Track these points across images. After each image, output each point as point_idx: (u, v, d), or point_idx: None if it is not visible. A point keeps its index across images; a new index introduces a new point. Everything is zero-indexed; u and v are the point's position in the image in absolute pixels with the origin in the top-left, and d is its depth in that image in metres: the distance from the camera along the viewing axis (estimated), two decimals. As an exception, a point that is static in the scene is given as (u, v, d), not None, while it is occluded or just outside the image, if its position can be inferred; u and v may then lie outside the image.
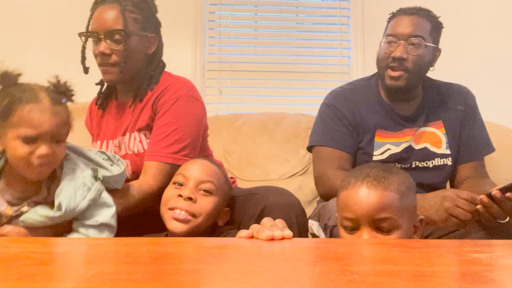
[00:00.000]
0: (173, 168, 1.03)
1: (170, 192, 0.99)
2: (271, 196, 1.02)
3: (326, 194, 1.19)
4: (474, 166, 1.26)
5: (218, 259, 0.48)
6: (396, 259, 0.50)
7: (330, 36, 2.24)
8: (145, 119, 1.10)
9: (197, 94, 1.16)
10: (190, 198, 0.95)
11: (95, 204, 0.89)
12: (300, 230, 0.99)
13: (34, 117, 0.81)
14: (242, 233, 0.67)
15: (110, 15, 1.10)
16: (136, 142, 1.11)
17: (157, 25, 1.21)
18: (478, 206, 0.93)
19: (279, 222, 0.73)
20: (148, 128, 1.10)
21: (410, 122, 1.26)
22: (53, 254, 0.53)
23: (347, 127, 1.25)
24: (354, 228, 0.78)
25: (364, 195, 0.77)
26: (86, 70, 1.25)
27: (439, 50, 1.24)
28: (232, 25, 2.25)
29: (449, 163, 1.25)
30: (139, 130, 1.11)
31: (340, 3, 2.27)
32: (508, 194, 0.89)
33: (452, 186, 1.31)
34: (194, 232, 0.94)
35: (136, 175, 1.09)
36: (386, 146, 1.24)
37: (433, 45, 1.20)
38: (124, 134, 1.14)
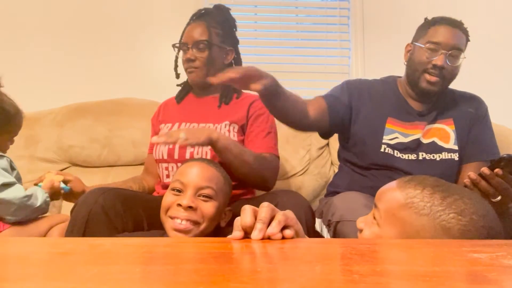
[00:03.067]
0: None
1: (169, 199, 0.96)
2: (282, 195, 1.07)
3: None
4: (477, 167, 1.27)
5: (218, 259, 0.48)
6: (396, 259, 0.50)
7: (330, 36, 2.25)
8: (239, 116, 1.36)
9: None
10: (190, 207, 0.93)
11: None
12: (309, 229, 1.01)
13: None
14: (235, 233, 0.62)
15: (198, 29, 1.38)
16: (224, 129, 1.32)
17: (234, 41, 1.46)
18: (466, 180, 0.94)
19: (281, 216, 0.62)
20: (238, 121, 1.35)
21: (421, 116, 1.32)
22: (53, 254, 0.53)
23: (347, 99, 1.34)
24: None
25: (391, 185, 0.75)
26: (177, 76, 1.51)
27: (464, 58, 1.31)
28: (232, 25, 2.25)
29: (456, 158, 1.28)
30: (231, 122, 1.34)
31: (340, 3, 2.27)
32: (496, 170, 0.90)
33: None
34: (197, 236, 0.94)
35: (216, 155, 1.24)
36: (395, 134, 1.30)
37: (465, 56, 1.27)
38: (207, 122, 1.35)
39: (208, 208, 0.96)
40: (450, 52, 1.22)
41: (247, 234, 0.61)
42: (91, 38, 2.16)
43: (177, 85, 1.51)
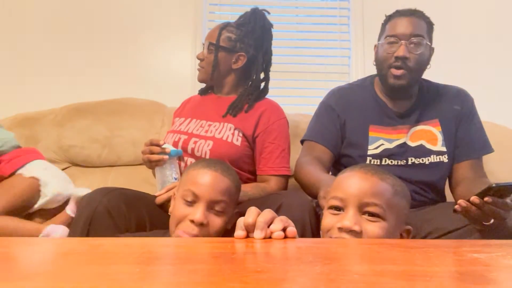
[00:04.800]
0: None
1: (181, 211, 0.93)
2: (287, 196, 1.07)
3: (297, 178, 1.26)
4: (471, 165, 1.26)
5: (218, 259, 0.48)
6: (396, 259, 0.50)
7: (330, 36, 2.25)
8: (246, 124, 1.34)
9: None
10: (201, 224, 0.91)
11: None
12: (313, 230, 1.01)
13: None
14: (237, 233, 0.64)
15: (213, 31, 1.41)
16: (228, 132, 1.32)
17: (251, 46, 1.40)
18: (456, 206, 0.93)
19: (283, 217, 0.65)
20: (244, 129, 1.33)
21: (403, 118, 1.29)
22: (53, 254, 0.53)
23: (336, 126, 1.32)
24: (340, 208, 0.79)
25: (359, 178, 0.80)
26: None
27: (433, 49, 1.27)
28: (232, 25, 2.25)
29: (445, 160, 1.26)
30: (236, 127, 1.33)
31: (340, 3, 2.27)
32: (486, 198, 0.88)
33: (450, 186, 1.31)
34: None
35: (214, 157, 1.25)
36: (380, 141, 1.27)
37: (430, 43, 1.24)
38: (214, 121, 1.35)
39: (218, 223, 0.94)
40: (409, 40, 1.19)
41: (249, 233, 0.62)
42: (91, 39, 2.16)
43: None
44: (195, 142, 1.31)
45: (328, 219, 0.80)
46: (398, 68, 1.21)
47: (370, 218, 0.77)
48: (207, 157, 1.27)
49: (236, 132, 1.32)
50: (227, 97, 1.43)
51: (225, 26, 1.41)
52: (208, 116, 1.38)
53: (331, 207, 0.81)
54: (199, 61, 1.43)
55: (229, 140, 1.31)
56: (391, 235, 0.77)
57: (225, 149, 1.29)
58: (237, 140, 1.31)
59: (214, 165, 0.99)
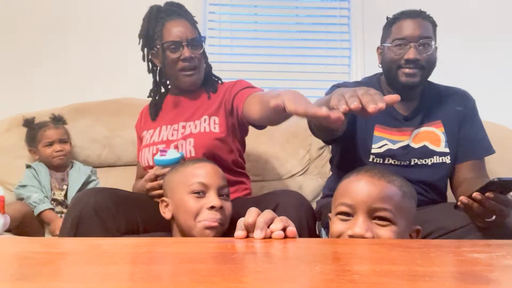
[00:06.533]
0: None
1: (195, 204, 0.95)
2: (283, 196, 1.05)
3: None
4: (472, 166, 1.26)
5: (217, 259, 0.48)
6: (396, 259, 0.50)
7: (330, 36, 2.25)
8: (214, 107, 1.31)
9: None
10: (220, 207, 0.95)
11: None
12: (310, 230, 1.00)
13: (48, 133, 1.69)
14: (237, 233, 0.65)
15: (185, 26, 1.30)
16: (204, 124, 1.28)
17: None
18: (458, 203, 0.93)
19: (283, 217, 0.66)
20: (216, 113, 1.29)
21: (408, 120, 1.29)
22: (53, 254, 0.53)
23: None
24: (349, 215, 0.78)
25: (366, 183, 0.78)
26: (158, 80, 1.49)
27: (437, 48, 1.28)
28: (232, 25, 2.25)
29: (448, 161, 1.26)
30: (210, 116, 1.29)
31: (340, 3, 2.27)
32: (487, 194, 0.88)
33: (451, 187, 1.31)
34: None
35: (201, 152, 1.23)
36: (383, 141, 1.27)
37: (436, 43, 1.25)
38: (188, 121, 1.31)
39: (229, 207, 0.99)
40: (418, 42, 1.20)
41: (249, 233, 0.62)
42: (91, 39, 2.16)
43: (150, 98, 1.47)
44: (175, 146, 1.27)
45: (337, 226, 0.79)
46: (409, 68, 1.22)
47: (380, 222, 0.76)
48: (193, 155, 1.25)
49: (212, 120, 1.29)
50: (187, 96, 1.36)
51: (188, 17, 1.33)
52: (178, 119, 1.33)
53: (339, 213, 0.80)
54: (184, 64, 1.28)
55: (207, 130, 1.27)
56: (401, 237, 0.77)
57: (208, 140, 1.25)
58: (215, 128, 1.28)
59: (204, 160, 1.06)
